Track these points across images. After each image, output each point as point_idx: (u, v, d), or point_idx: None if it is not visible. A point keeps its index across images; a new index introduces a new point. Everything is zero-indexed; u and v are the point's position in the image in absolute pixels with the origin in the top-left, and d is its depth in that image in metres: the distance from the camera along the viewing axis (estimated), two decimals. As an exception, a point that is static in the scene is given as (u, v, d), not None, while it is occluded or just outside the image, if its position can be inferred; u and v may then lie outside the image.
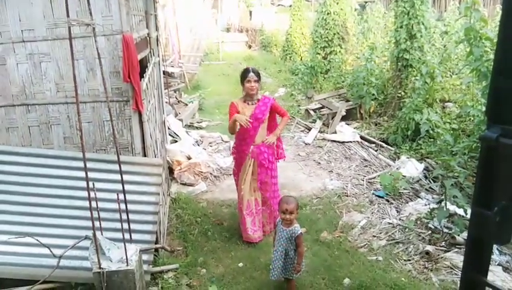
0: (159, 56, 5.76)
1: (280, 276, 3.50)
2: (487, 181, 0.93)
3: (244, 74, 4.26)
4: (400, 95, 7.81)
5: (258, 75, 4.26)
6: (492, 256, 3.86)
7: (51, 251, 3.04)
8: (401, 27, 7.60)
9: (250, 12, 23.70)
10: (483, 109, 5.49)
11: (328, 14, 11.18)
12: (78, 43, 3.41)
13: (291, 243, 3.42)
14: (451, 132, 6.29)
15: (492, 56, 4.91)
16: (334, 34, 11.19)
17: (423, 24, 7.52)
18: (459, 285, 1.11)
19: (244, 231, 4.42)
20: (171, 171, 5.81)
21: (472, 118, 6.18)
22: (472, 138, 5.56)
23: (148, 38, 4.73)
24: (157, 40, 5.66)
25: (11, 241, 3.22)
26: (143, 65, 4.24)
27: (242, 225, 4.46)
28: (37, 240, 3.09)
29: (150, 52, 4.75)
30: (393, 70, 8.11)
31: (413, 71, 7.60)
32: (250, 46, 20.99)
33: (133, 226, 3.26)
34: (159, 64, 5.84)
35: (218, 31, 19.42)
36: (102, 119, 3.66)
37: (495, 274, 3.60)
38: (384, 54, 9.30)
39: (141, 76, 3.76)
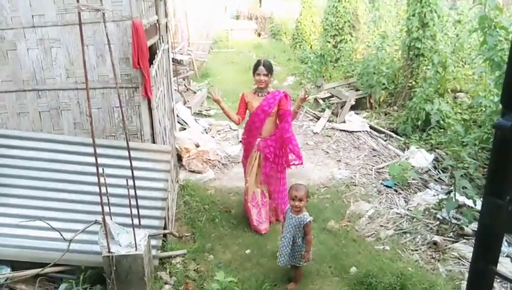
0: (168, 43, 5.74)
1: (287, 263, 3.53)
2: (500, 170, 0.91)
3: (255, 67, 4.22)
4: (410, 84, 7.72)
5: (268, 68, 4.17)
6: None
7: (61, 235, 3.10)
8: (413, 15, 7.47)
9: (260, -1, 23.48)
10: (496, 99, 5.41)
11: (338, 1, 11.02)
12: (88, 29, 3.41)
13: (300, 231, 3.44)
14: (462, 122, 6.21)
15: (506, 45, 4.82)
16: (345, 22, 11.03)
17: (436, 12, 7.38)
18: (467, 275, 1.11)
19: (251, 221, 4.45)
20: (179, 158, 5.84)
21: (484, 109, 6.09)
22: (483, 128, 5.49)
23: (157, 24, 4.71)
24: (167, 26, 5.64)
25: (22, 224, 3.29)
26: (152, 52, 4.23)
27: (248, 216, 4.48)
28: (48, 224, 3.15)
29: (159, 38, 4.74)
30: (405, 60, 8.00)
31: (425, 60, 7.49)
32: (259, 34, 20.85)
33: (141, 211, 3.29)
34: (168, 52, 5.83)
35: (227, 19, 19.30)
36: (111, 105, 3.67)
37: (503, 266, 3.59)
38: (395, 43, 9.16)
39: (150, 63, 3.76)
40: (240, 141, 6.99)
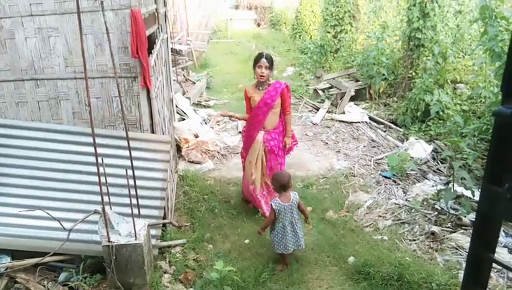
0: (167, 33, 5.70)
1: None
2: (499, 157, 0.91)
3: (256, 59, 4.21)
4: (410, 75, 7.69)
5: (270, 61, 4.18)
6: (498, 238, 3.86)
7: (61, 224, 3.11)
8: (414, 5, 7.42)
9: (260, -11, 23.23)
10: (496, 90, 5.39)
11: (339, -9, 10.91)
12: (86, 18, 3.39)
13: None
14: (462, 113, 6.21)
15: (507, 36, 4.80)
16: (345, 12, 10.94)
17: (437, 2, 7.32)
18: (464, 264, 1.11)
19: (263, 211, 4.49)
20: (178, 148, 5.84)
21: (483, 100, 6.08)
22: (483, 119, 5.48)
23: (156, 13, 4.67)
24: (165, 16, 5.59)
25: (22, 214, 3.29)
26: (151, 41, 4.20)
27: (259, 207, 4.53)
28: (48, 213, 3.16)
29: (158, 28, 4.70)
30: (405, 50, 7.96)
31: (425, 51, 7.45)
32: (259, 24, 20.72)
33: (141, 201, 3.30)
34: (167, 41, 5.79)
35: (226, 9, 19.14)
36: (110, 95, 3.66)
37: (500, 255, 3.61)
38: (395, 33, 9.10)
39: (149, 52, 3.73)
40: (240, 132, 7.00)
